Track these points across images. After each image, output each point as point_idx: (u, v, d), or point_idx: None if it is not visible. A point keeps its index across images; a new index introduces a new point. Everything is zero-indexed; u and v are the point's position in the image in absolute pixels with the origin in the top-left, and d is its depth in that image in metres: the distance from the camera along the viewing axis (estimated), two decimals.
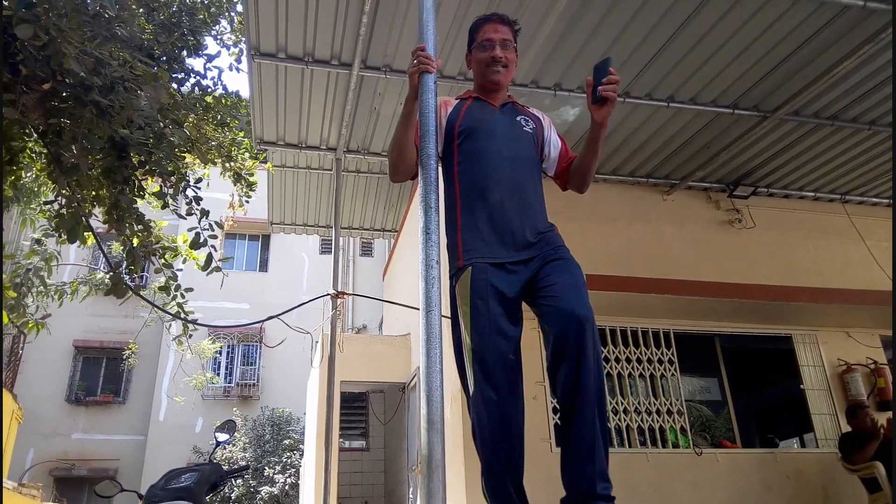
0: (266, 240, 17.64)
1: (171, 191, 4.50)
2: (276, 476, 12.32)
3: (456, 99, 2.57)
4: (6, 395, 7.90)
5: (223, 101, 5.95)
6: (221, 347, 15.09)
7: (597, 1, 4.65)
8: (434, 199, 2.00)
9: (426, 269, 1.89)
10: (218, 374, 15.46)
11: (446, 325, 2.10)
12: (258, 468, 12.52)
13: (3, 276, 5.58)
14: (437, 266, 1.90)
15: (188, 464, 10.16)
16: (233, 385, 15.87)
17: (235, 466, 7.86)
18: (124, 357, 12.75)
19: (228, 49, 6.24)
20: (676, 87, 5.55)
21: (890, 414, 6.32)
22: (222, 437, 3.88)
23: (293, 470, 12.37)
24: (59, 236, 5.27)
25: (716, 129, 6.14)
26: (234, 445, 13.01)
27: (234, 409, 14.75)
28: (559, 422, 2.09)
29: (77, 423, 15.44)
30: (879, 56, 5.18)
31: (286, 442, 13.13)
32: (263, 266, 17.68)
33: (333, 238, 6.63)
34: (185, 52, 5.20)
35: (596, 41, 5.03)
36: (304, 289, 16.16)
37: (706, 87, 5.56)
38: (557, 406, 2.14)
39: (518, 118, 2.51)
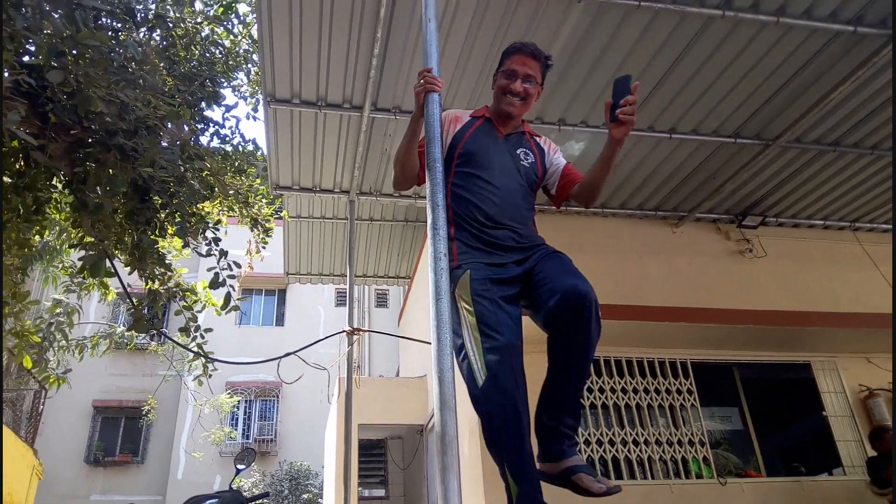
0: (282, 294, 17.83)
1: (192, 230, 4.65)
2: None
3: (469, 115, 2.66)
4: (27, 451, 7.96)
5: (241, 149, 6.18)
6: (238, 402, 15.09)
7: (594, 37, 4.86)
8: (441, 197, 2.12)
9: (435, 262, 1.99)
10: (236, 430, 15.41)
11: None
12: None
13: (28, 322, 5.71)
14: (445, 258, 2.00)
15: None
16: (250, 441, 15.79)
17: (255, 493, 7.73)
18: (144, 413, 12.77)
19: (246, 100, 6.52)
20: (677, 118, 5.70)
21: None
22: (241, 466, 3.93)
23: None
24: (83, 279, 5.43)
25: (720, 160, 6.25)
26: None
27: (253, 464, 14.62)
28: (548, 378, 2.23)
29: (95, 485, 15.38)
30: (874, 80, 5.31)
31: (304, 496, 13.01)
32: (280, 320, 17.83)
33: (348, 285, 6.69)
34: (203, 103, 5.45)
35: (596, 76, 5.21)
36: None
37: (707, 117, 5.70)
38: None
39: (519, 151, 2.57)
